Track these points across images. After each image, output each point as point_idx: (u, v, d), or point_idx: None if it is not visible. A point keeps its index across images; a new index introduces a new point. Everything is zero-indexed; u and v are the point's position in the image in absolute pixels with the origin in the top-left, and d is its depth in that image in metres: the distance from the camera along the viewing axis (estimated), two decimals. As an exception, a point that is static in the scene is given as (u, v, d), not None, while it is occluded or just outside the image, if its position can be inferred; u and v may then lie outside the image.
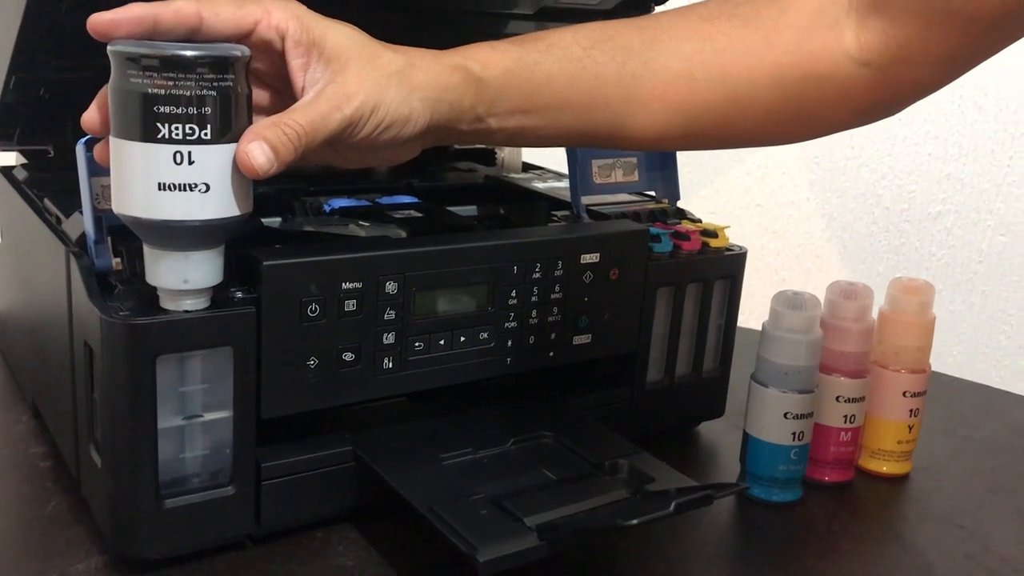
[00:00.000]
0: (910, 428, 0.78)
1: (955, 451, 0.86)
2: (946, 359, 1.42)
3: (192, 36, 0.52)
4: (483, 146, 1.00)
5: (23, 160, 0.81)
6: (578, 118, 0.61)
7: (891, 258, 1.48)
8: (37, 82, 0.71)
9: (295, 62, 0.54)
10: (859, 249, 1.48)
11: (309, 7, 0.56)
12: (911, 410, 0.78)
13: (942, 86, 0.60)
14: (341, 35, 0.55)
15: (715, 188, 1.48)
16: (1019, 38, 0.57)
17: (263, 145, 0.51)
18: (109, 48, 0.51)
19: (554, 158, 0.87)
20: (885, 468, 0.79)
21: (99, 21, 0.50)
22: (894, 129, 1.42)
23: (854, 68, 0.59)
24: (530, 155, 1.02)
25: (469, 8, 0.83)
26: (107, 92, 0.52)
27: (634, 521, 0.53)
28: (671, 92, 0.60)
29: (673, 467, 0.65)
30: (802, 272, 1.50)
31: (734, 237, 0.82)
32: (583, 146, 0.74)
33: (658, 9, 0.86)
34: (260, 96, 0.56)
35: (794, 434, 0.72)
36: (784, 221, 1.49)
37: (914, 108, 0.62)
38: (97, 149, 0.55)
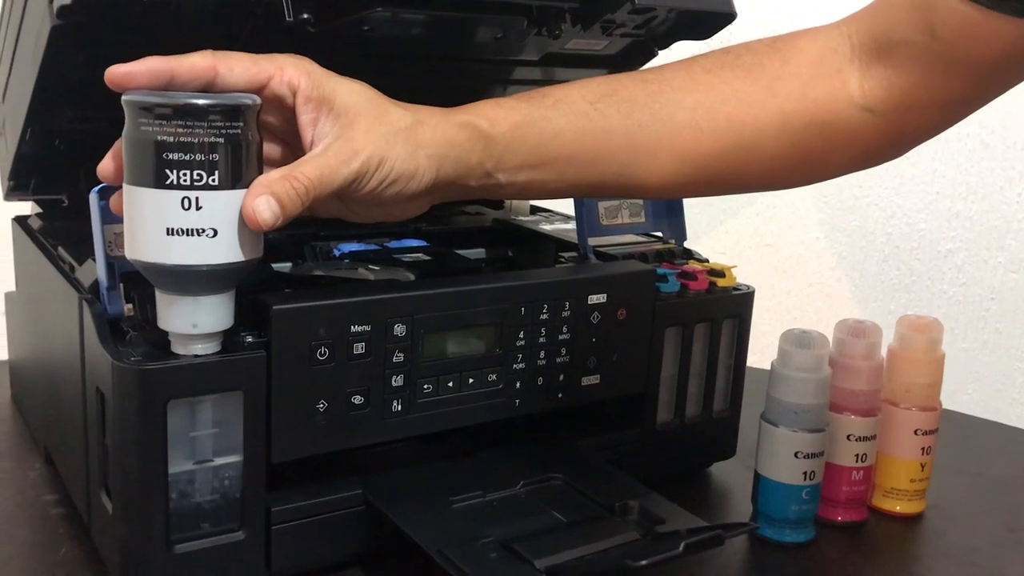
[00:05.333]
0: (923, 466, 0.78)
1: (969, 489, 0.85)
2: (960, 398, 1.41)
3: (207, 90, 0.53)
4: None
5: (38, 209, 0.82)
6: (587, 170, 0.62)
7: (902, 296, 1.47)
8: (52, 133, 0.73)
9: (305, 117, 0.55)
10: (870, 288, 1.48)
11: (325, 54, 0.57)
12: (923, 448, 0.77)
13: (946, 129, 0.61)
14: (350, 91, 0.56)
15: (725, 229, 1.49)
16: (1019, 83, 0.58)
17: (270, 200, 0.52)
18: (123, 98, 0.52)
19: (562, 201, 0.88)
20: (899, 507, 0.79)
21: (116, 73, 0.52)
22: (902, 168, 1.43)
23: (858, 114, 0.59)
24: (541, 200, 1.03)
25: (478, 56, 0.84)
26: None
27: (643, 562, 0.53)
28: (677, 142, 0.61)
29: (684, 508, 0.65)
30: (813, 311, 1.50)
31: (744, 277, 0.83)
32: (592, 196, 0.76)
33: (661, 54, 0.87)
34: (271, 149, 0.58)
35: (805, 474, 0.71)
36: (794, 261, 1.50)
37: (921, 147, 0.63)
38: (113, 199, 0.57)
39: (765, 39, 0.63)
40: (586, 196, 0.75)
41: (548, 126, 0.60)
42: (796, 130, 0.60)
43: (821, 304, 1.50)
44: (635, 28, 0.82)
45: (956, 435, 0.96)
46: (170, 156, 0.51)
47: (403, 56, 0.79)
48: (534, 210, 1.00)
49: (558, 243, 0.85)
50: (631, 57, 0.88)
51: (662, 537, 0.59)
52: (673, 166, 0.62)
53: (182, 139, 0.51)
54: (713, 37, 0.85)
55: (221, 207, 0.53)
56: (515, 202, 1.01)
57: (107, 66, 0.52)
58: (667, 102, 0.61)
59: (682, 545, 0.54)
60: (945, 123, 0.60)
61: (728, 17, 0.81)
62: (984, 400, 1.46)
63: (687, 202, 0.88)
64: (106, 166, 0.55)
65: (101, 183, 0.57)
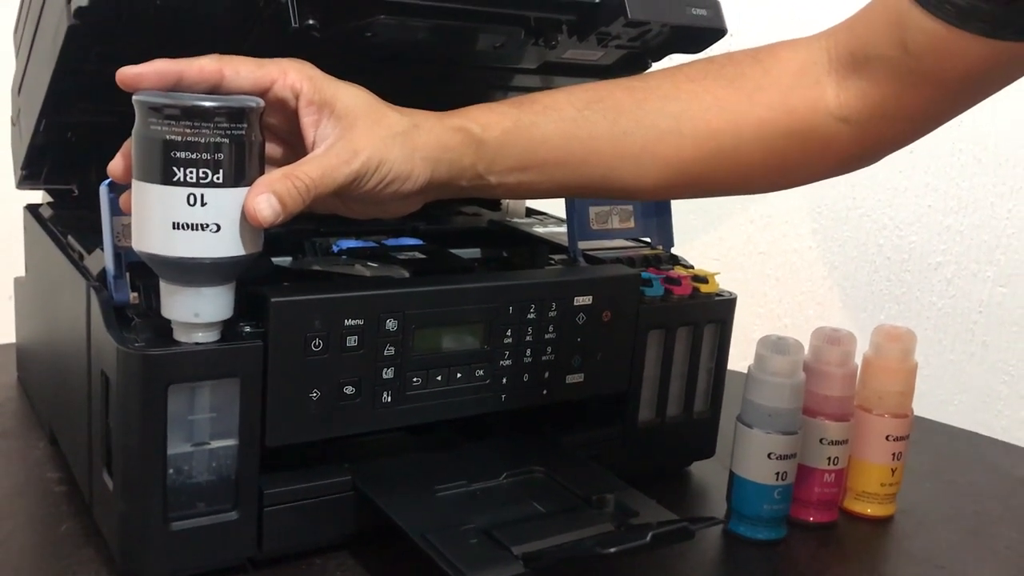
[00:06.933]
0: (893, 471, 0.80)
1: (940, 495, 0.88)
2: (947, 408, 1.43)
3: (213, 91, 0.56)
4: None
5: (49, 199, 0.85)
6: (573, 173, 0.65)
7: (892, 307, 1.50)
8: (65, 126, 0.76)
9: (307, 119, 0.58)
10: (861, 298, 1.51)
11: (329, 59, 0.60)
12: (894, 453, 0.80)
13: (918, 138, 0.64)
14: (351, 96, 0.59)
15: (718, 235, 1.51)
16: (988, 96, 0.61)
17: (271, 198, 0.55)
18: (134, 98, 0.55)
19: (557, 204, 0.91)
20: (869, 510, 0.81)
21: (126, 74, 0.55)
22: (894, 180, 1.45)
23: (834, 124, 0.62)
24: (534, 201, 1.06)
25: (477, 63, 0.87)
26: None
27: (612, 549, 0.56)
28: (660, 148, 0.64)
29: (663, 504, 0.68)
30: (804, 319, 1.52)
31: (737, 284, 0.85)
32: (579, 196, 0.79)
33: (654, 65, 0.90)
34: (273, 149, 0.61)
35: (777, 474, 0.74)
36: (787, 269, 1.52)
37: (914, 160, 0.66)
38: (122, 199, 0.60)
39: (748, 50, 0.66)
40: (573, 196, 0.78)
41: (537, 131, 0.63)
42: (775, 139, 0.63)
43: (812, 312, 1.53)
44: (630, 41, 0.85)
45: (933, 444, 0.99)
46: (177, 155, 0.54)
47: (405, 62, 0.82)
48: (529, 212, 1.03)
49: (550, 246, 0.88)
50: (626, 68, 0.90)
51: (633, 528, 0.62)
52: (656, 171, 0.64)
53: (189, 139, 0.54)
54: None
55: (224, 204, 0.56)
56: (511, 204, 1.04)
57: (119, 64, 0.55)
58: (651, 110, 0.64)
59: (649, 535, 0.57)
60: (917, 133, 0.63)
61: (719, 33, 0.84)
62: (970, 412, 1.48)
63: (682, 208, 0.91)
64: (116, 165, 0.58)
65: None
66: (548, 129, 0.63)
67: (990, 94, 0.60)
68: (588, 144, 0.63)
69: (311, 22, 0.68)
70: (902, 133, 0.63)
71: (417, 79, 0.86)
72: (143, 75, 0.55)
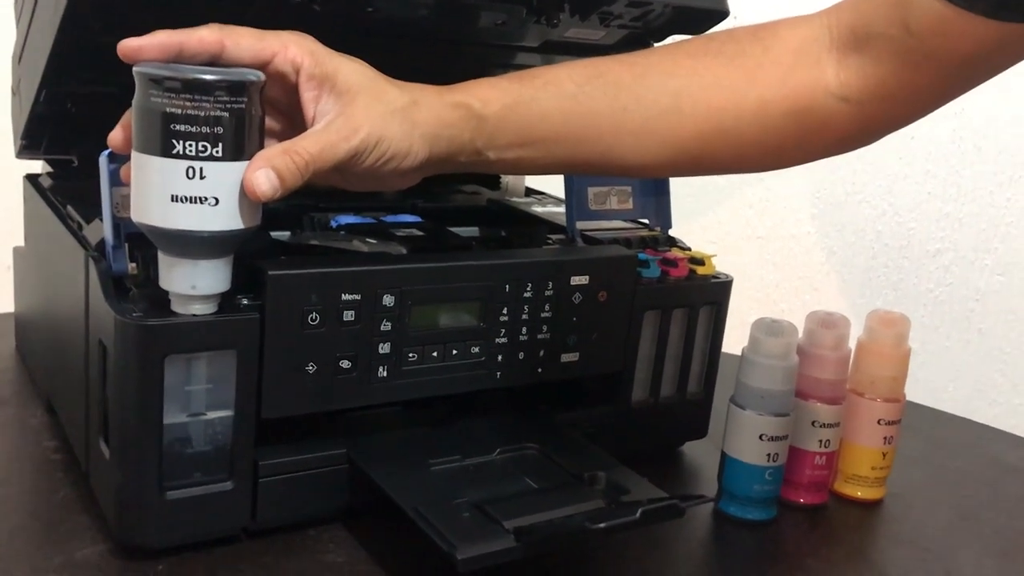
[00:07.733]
0: (884, 455, 0.81)
1: (930, 480, 0.89)
2: (942, 395, 1.44)
3: (213, 63, 0.56)
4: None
5: (49, 169, 0.86)
6: (572, 149, 0.65)
7: (889, 293, 1.50)
8: (65, 96, 0.76)
9: (307, 94, 0.58)
10: (858, 284, 1.51)
11: (329, 33, 0.60)
12: (885, 437, 0.81)
13: (917, 119, 0.64)
14: (351, 71, 0.59)
15: (717, 219, 1.52)
16: (989, 78, 0.60)
17: (269, 172, 0.55)
18: (134, 69, 0.55)
19: (557, 184, 0.92)
20: (859, 493, 0.82)
21: (127, 46, 0.55)
22: (894, 168, 1.45)
23: (834, 103, 0.62)
24: (534, 181, 1.06)
25: (479, 40, 0.87)
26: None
27: (601, 525, 0.56)
28: (660, 125, 0.64)
29: (654, 483, 0.69)
30: (801, 304, 1.52)
31: (735, 268, 0.85)
32: (577, 172, 0.79)
33: (656, 46, 0.90)
34: (272, 122, 0.61)
35: (769, 455, 0.75)
36: (785, 254, 1.53)
37: (914, 147, 0.65)
38: (123, 170, 0.60)
39: (748, 27, 0.65)
40: (573, 172, 0.79)
41: (536, 107, 0.63)
42: (774, 118, 0.63)
43: (809, 297, 1.53)
44: (632, 20, 0.85)
45: (925, 429, 0.99)
46: (177, 127, 0.54)
47: (406, 37, 0.82)
48: (528, 192, 1.03)
49: (548, 225, 0.88)
50: (628, 48, 0.90)
51: (624, 505, 0.63)
52: (655, 148, 0.64)
53: (189, 112, 0.54)
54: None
55: (223, 177, 0.56)
56: (511, 183, 1.04)
57: (120, 35, 0.55)
58: (651, 86, 0.64)
59: (639, 512, 0.57)
60: (916, 114, 0.63)
61: (721, 15, 0.84)
62: (964, 399, 1.49)
63: (680, 191, 0.91)
64: (116, 136, 0.58)
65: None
66: (548, 106, 0.63)
67: (992, 76, 0.60)
68: (588, 120, 0.63)
69: (312, -4, 0.68)
70: (902, 113, 0.63)
71: (418, 56, 0.85)
72: (144, 47, 0.55)
